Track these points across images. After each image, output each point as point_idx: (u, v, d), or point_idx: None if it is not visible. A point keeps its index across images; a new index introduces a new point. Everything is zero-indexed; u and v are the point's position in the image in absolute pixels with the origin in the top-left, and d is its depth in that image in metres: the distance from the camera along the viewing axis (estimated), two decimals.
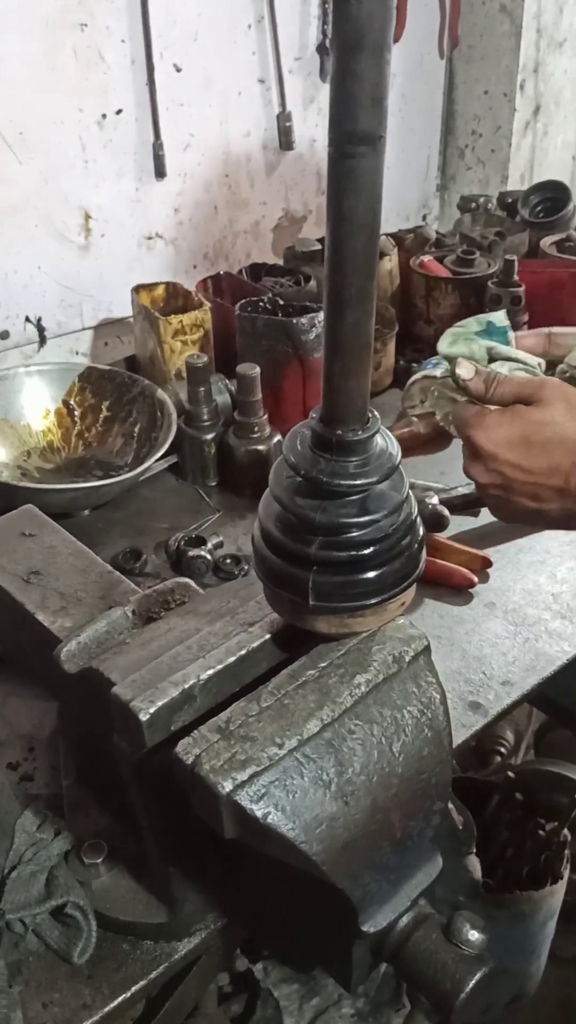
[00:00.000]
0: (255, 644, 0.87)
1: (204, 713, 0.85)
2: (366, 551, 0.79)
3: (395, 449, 0.80)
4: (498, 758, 2.78)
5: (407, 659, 0.86)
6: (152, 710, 0.81)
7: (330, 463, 0.77)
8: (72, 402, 1.83)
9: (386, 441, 0.80)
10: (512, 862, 2.26)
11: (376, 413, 0.78)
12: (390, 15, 0.59)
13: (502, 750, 2.83)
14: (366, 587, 0.81)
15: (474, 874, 2.11)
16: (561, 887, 2.16)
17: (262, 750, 0.77)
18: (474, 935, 0.83)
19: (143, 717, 0.80)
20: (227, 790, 0.75)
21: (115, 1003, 0.95)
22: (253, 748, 0.77)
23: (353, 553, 0.79)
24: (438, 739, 0.85)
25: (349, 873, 0.79)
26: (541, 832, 2.24)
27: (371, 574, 0.80)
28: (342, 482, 0.77)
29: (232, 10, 2.13)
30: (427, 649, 0.88)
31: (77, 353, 2.18)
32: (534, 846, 2.25)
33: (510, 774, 2.35)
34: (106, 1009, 0.95)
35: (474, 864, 2.12)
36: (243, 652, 0.86)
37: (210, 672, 0.84)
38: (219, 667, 0.85)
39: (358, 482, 0.77)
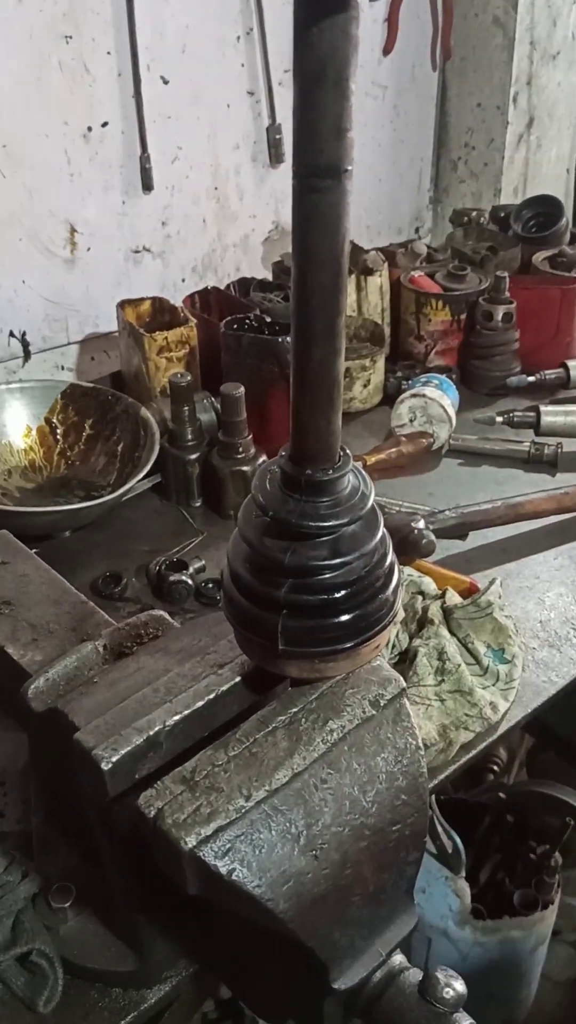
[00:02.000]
0: (224, 687, 0.84)
1: (170, 759, 0.82)
2: (338, 594, 0.76)
3: (368, 488, 0.77)
4: (491, 776, 2.75)
5: (382, 703, 0.83)
6: (115, 759, 0.78)
7: (299, 503, 0.74)
8: (55, 420, 1.80)
9: (359, 479, 0.77)
10: (502, 885, 2.23)
11: (347, 451, 0.75)
12: (352, 45, 0.56)
13: (495, 768, 2.79)
14: (338, 631, 0.78)
15: (464, 899, 2.08)
16: (552, 912, 2.13)
17: (228, 802, 0.74)
18: (449, 992, 0.79)
19: (105, 766, 0.77)
20: (190, 846, 0.72)
21: None
22: (219, 800, 0.74)
23: (324, 597, 0.76)
24: (414, 787, 0.82)
25: (318, 930, 0.76)
26: (532, 855, 2.20)
27: (343, 618, 0.77)
28: (312, 523, 0.74)
29: (220, 22, 2.11)
30: (403, 692, 0.85)
31: (63, 368, 2.15)
32: (525, 869, 2.21)
33: (501, 795, 2.32)
34: None
35: (464, 889, 2.09)
36: (212, 696, 0.83)
37: (177, 718, 0.81)
38: (186, 712, 0.82)
39: (329, 523, 0.74)
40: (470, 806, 2.34)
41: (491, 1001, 2.14)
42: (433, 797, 2.19)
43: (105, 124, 2.02)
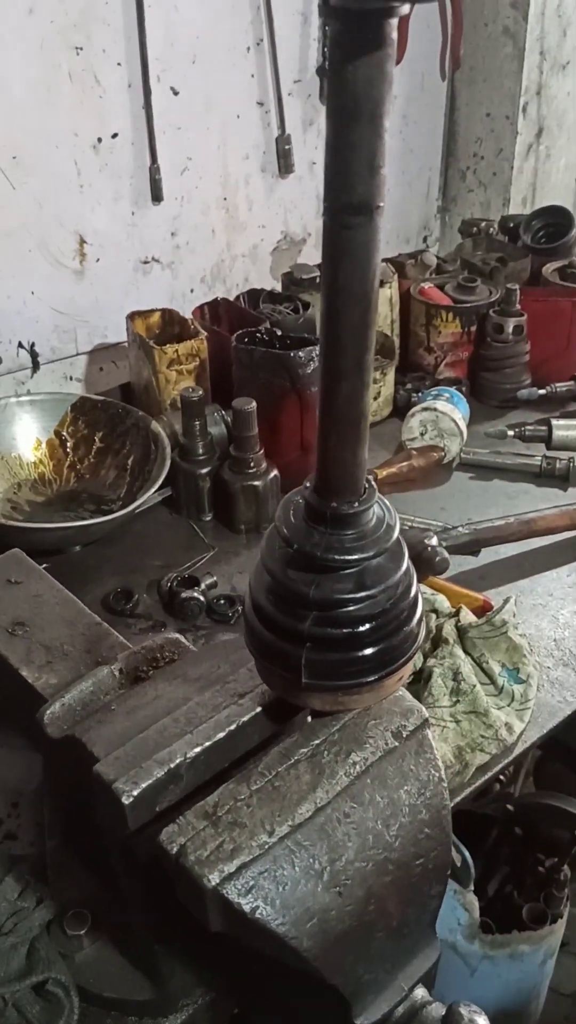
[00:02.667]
0: (245, 718, 0.83)
1: (191, 791, 0.81)
2: (362, 628, 0.75)
3: (393, 520, 0.76)
4: (497, 786, 2.74)
5: (405, 734, 0.82)
6: (136, 792, 0.77)
7: (324, 536, 0.73)
8: (65, 433, 1.79)
9: (384, 511, 0.76)
10: (511, 898, 2.22)
11: (373, 483, 0.74)
12: (387, 82, 0.55)
13: (501, 778, 2.78)
14: (362, 664, 0.77)
15: (472, 913, 2.06)
16: (561, 926, 2.12)
17: (251, 838, 0.73)
18: None
19: (126, 800, 0.76)
20: (214, 883, 0.71)
21: None
22: (242, 836, 0.73)
23: (349, 630, 0.75)
24: (437, 820, 0.81)
25: (342, 968, 0.75)
26: (541, 868, 2.19)
27: (368, 651, 0.76)
28: (337, 556, 0.73)
29: (231, 32, 2.10)
30: (426, 722, 0.84)
31: (71, 379, 2.14)
32: (534, 882, 2.20)
33: (509, 807, 2.31)
34: None
35: (472, 903, 2.08)
36: (233, 727, 0.82)
37: (198, 749, 0.80)
38: (207, 744, 0.81)
39: (354, 556, 0.73)
40: (477, 817, 2.33)
41: (499, 1015, 2.13)
42: None
43: (115, 135, 2.01)
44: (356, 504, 0.73)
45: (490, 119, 2.57)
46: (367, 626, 0.75)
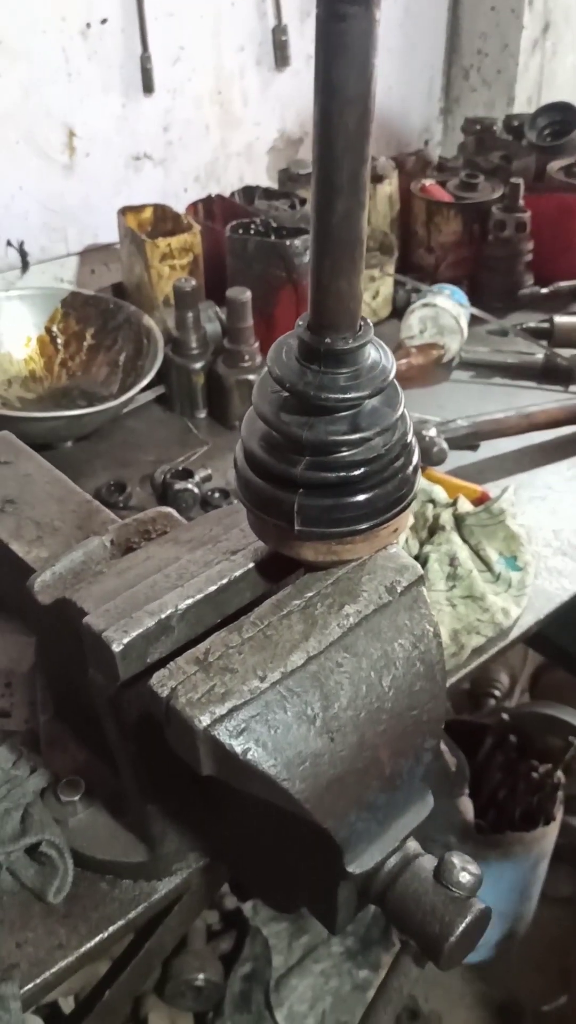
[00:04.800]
0: (237, 573, 0.82)
1: (183, 645, 0.79)
2: (356, 472, 0.73)
3: (389, 362, 0.74)
4: (492, 701, 2.76)
5: (399, 590, 0.81)
6: (126, 640, 0.76)
7: (318, 375, 0.71)
8: (55, 329, 1.75)
9: (379, 352, 0.73)
10: (505, 804, 2.25)
11: (369, 321, 0.71)
12: None
13: (496, 693, 2.80)
14: (356, 511, 0.74)
15: (466, 815, 2.09)
16: (553, 828, 2.15)
17: (243, 683, 0.72)
18: (465, 877, 0.79)
19: (116, 648, 0.75)
20: (204, 724, 0.70)
21: (92, 943, 0.92)
22: (233, 681, 0.72)
23: (343, 474, 0.73)
24: (431, 673, 0.80)
25: (334, 812, 0.75)
26: (534, 774, 2.22)
27: (361, 497, 0.74)
28: (331, 395, 0.70)
29: None
30: (421, 579, 0.82)
31: (62, 280, 2.09)
32: (527, 788, 2.23)
33: (504, 716, 2.33)
34: (82, 949, 0.91)
35: (466, 805, 2.11)
36: (224, 581, 0.81)
37: (189, 601, 0.79)
38: (199, 596, 0.80)
39: (348, 396, 0.71)
40: (473, 727, 2.36)
41: (492, 915, 2.17)
42: None
43: (104, 21, 1.93)
44: (351, 340, 0.70)
45: (495, 12, 2.47)
46: (361, 471, 0.73)
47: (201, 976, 1.91)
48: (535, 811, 2.18)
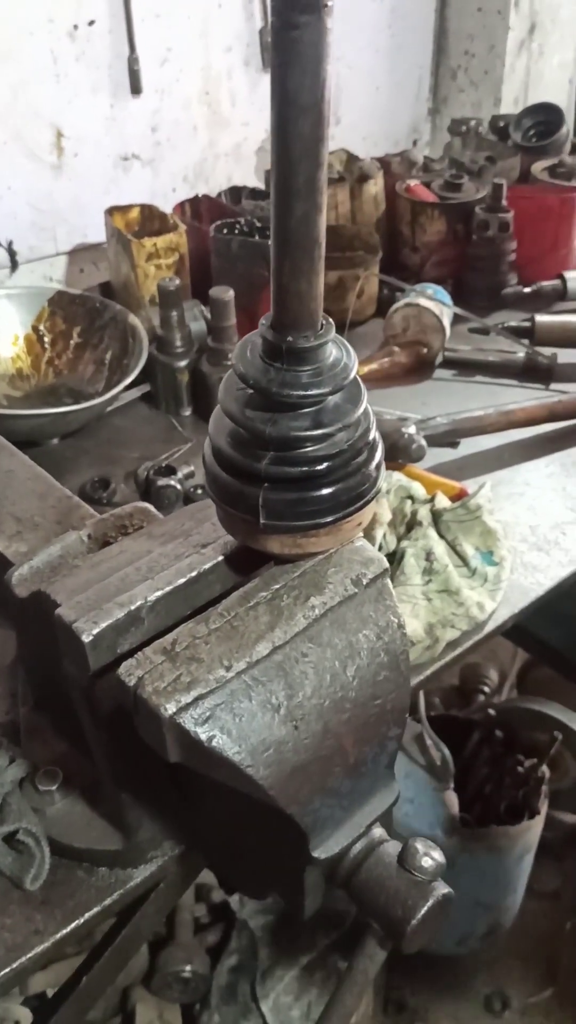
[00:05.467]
0: (207, 566, 0.84)
1: (153, 636, 0.81)
2: (319, 467, 0.75)
3: (351, 360, 0.75)
4: (481, 697, 2.78)
5: (365, 582, 0.83)
6: (95, 631, 0.78)
7: (280, 372, 0.73)
8: (42, 328, 1.77)
9: (341, 351, 0.75)
10: (490, 798, 2.27)
11: (330, 320, 0.73)
12: None
13: (485, 689, 2.83)
14: (320, 505, 0.76)
15: (452, 809, 2.11)
16: (538, 822, 2.18)
17: (209, 672, 0.74)
18: (428, 862, 0.81)
19: (86, 638, 0.77)
20: (170, 712, 0.72)
21: (68, 929, 0.94)
22: (199, 670, 0.74)
23: (306, 469, 0.75)
24: (395, 664, 0.82)
25: (298, 799, 0.77)
26: (520, 768, 2.24)
27: (325, 491, 0.76)
28: (293, 392, 0.72)
29: None
30: (386, 572, 0.84)
31: (51, 279, 2.11)
32: (512, 782, 2.25)
33: (491, 712, 2.35)
34: (59, 935, 0.93)
35: (452, 799, 2.13)
36: (194, 574, 0.83)
37: (158, 593, 0.81)
38: (168, 588, 0.82)
39: (310, 392, 0.73)
40: (460, 722, 2.38)
41: (478, 907, 2.20)
42: (424, 712, 2.22)
43: (92, 22, 1.95)
44: (312, 339, 0.72)
45: (482, 14, 2.49)
46: (324, 465, 0.75)
47: (188, 968, 1.94)
48: (520, 805, 2.20)
